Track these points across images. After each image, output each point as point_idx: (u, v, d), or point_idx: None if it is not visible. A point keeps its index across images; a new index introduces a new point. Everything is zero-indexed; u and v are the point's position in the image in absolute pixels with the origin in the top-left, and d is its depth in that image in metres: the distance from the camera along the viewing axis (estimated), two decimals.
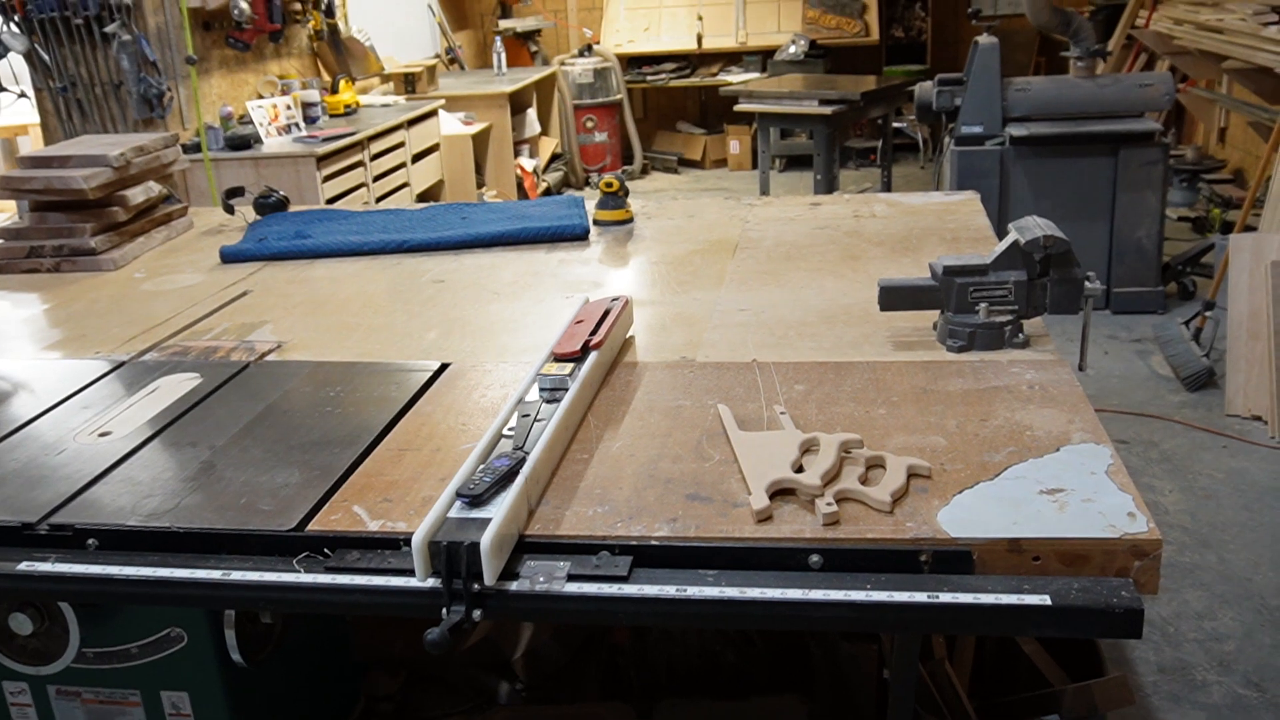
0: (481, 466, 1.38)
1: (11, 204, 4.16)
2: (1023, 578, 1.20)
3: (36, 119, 4.77)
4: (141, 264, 2.79)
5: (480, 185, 6.85)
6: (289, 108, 5.08)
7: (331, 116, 5.66)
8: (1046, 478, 1.35)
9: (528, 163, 7.49)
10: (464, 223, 2.88)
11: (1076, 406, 1.56)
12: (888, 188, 6.64)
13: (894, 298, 1.88)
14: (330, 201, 4.79)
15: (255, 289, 2.48)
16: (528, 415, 1.54)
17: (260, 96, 5.30)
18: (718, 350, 1.90)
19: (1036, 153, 4.76)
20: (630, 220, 2.88)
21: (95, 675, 1.69)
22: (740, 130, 9.07)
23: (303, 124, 5.17)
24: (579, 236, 2.73)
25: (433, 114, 6.24)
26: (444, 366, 1.90)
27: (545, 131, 8.46)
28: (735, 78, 8.68)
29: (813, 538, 1.26)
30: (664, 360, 1.87)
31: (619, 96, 8.83)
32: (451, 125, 6.51)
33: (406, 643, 2.24)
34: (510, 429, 1.51)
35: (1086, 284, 1.83)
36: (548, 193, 8.17)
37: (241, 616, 1.64)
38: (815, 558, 1.25)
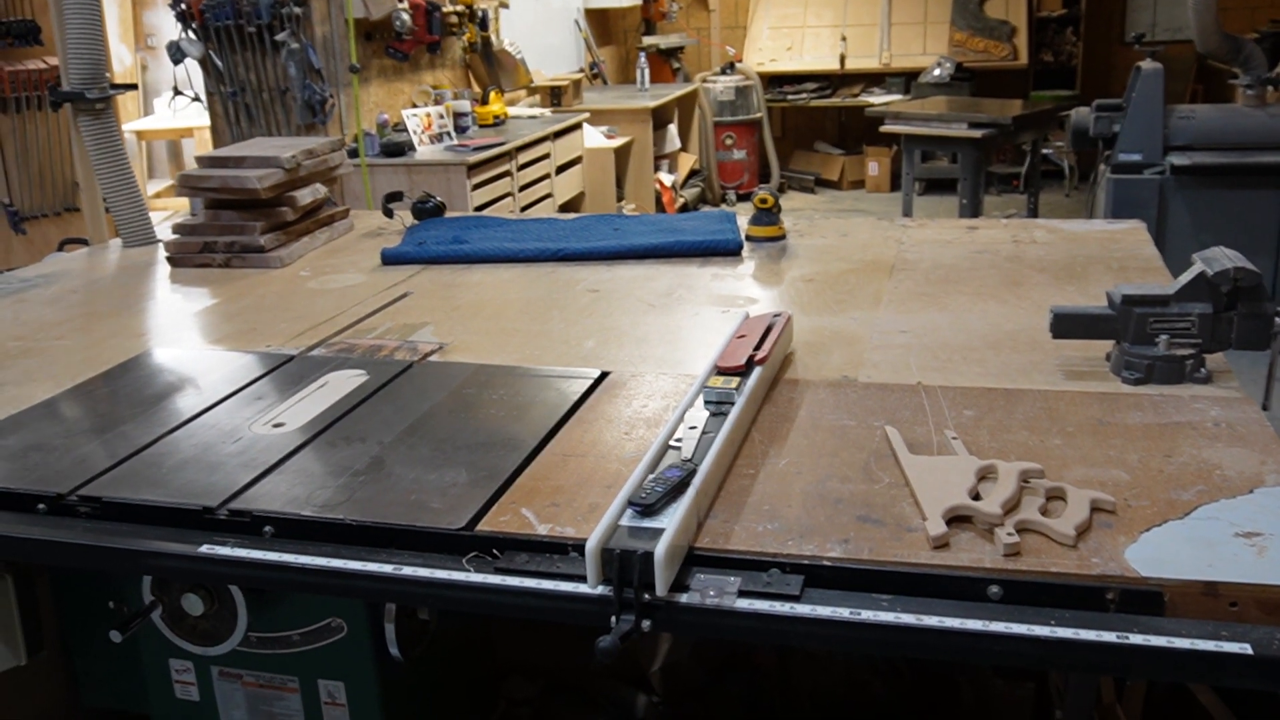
0: (652, 476, 1.38)
1: (183, 202, 4.35)
2: (1219, 624, 1.14)
3: (205, 121, 4.99)
4: (306, 263, 2.88)
5: (620, 198, 6.91)
6: (441, 117, 5.20)
7: (481, 127, 5.77)
8: (1242, 520, 1.29)
9: (666, 178, 7.53)
10: (616, 234, 2.90)
11: (1269, 447, 1.48)
12: (1034, 214, 6.48)
13: (1068, 325, 1.82)
14: (479, 209, 4.88)
15: (415, 291, 2.54)
16: (694, 427, 1.54)
17: (414, 105, 5.44)
18: (880, 371, 1.87)
19: (1199, 183, 4.58)
20: (783, 237, 2.86)
21: (257, 659, 1.74)
22: (879, 152, 8.96)
23: (454, 133, 5.29)
24: (732, 252, 2.73)
25: (577, 127, 6.32)
26: (604, 375, 1.91)
27: (684, 148, 8.49)
28: (877, 99, 8.59)
29: (992, 568, 1.23)
30: (825, 379, 1.85)
31: (759, 115, 8.82)
32: (594, 138, 6.59)
33: (546, 649, 2.26)
34: (677, 440, 1.51)
35: (1277, 320, 1.75)
36: (684, 208, 8.20)
37: (400, 612, 1.67)
38: (995, 588, 1.21)
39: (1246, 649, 1.10)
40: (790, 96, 9.23)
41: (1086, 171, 6.89)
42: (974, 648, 1.17)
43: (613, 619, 1.23)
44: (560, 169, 6.03)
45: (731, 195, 8.75)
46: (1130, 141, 4.63)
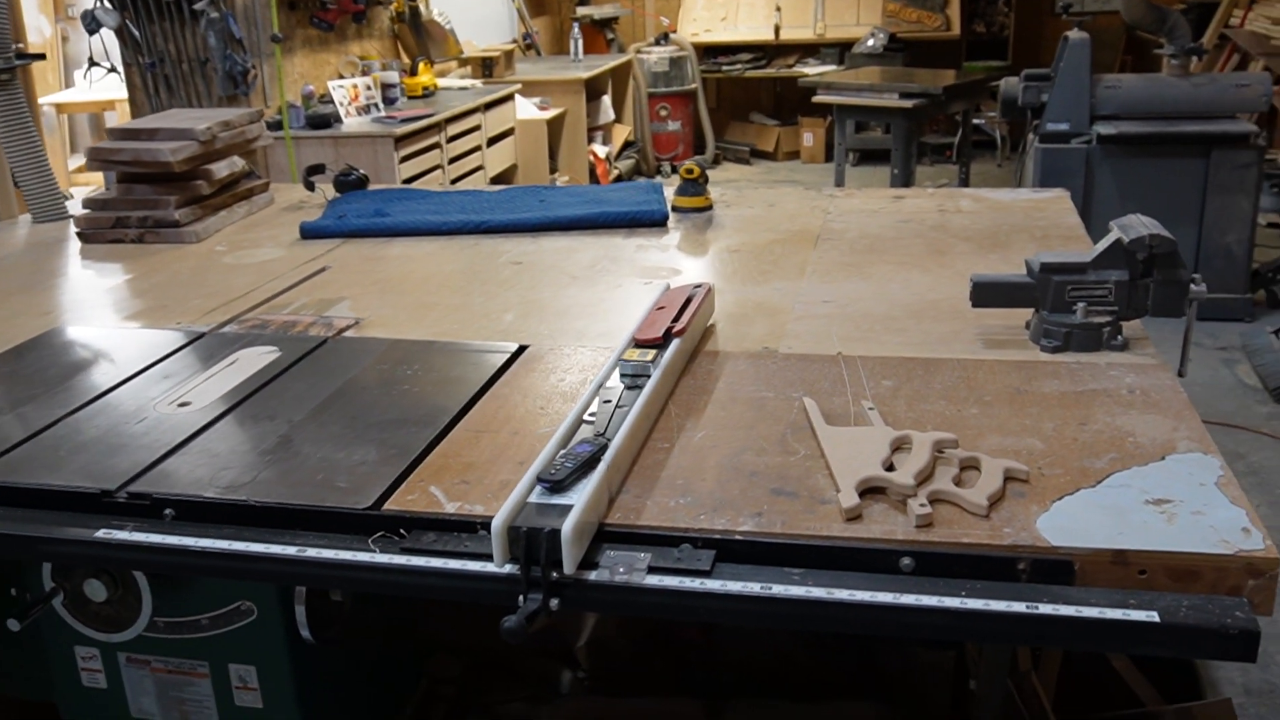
0: (563, 452, 1.35)
1: (99, 176, 4.22)
2: (1128, 592, 1.14)
3: (124, 94, 4.83)
4: (223, 237, 2.81)
5: (553, 170, 6.85)
6: (369, 88, 5.10)
7: (410, 98, 5.67)
8: (1152, 487, 1.29)
9: (601, 149, 7.47)
10: (542, 205, 2.85)
11: (1181, 414, 1.49)
12: (965, 184, 6.52)
13: (987, 294, 1.81)
14: (407, 182, 4.80)
15: (334, 265, 2.48)
16: (609, 401, 1.51)
17: (341, 76, 5.33)
18: (801, 342, 1.86)
19: (1125, 152, 4.63)
20: (710, 208, 2.84)
21: (165, 644, 1.69)
22: (814, 122, 8.97)
23: (381, 105, 5.19)
24: (657, 222, 2.70)
25: (509, 98, 6.24)
26: (522, 348, 1.87)
27: (619, 119, 8.43)
28: (812, 70, 8.58)
29: (904, 539, 1.22)
30: (746, 350, 1.83)
31: (693, 86, 8.78)
32: (527, 110, 6.51)
33: (470, 627, 2.22)
34: (591, 415, 1.48)
35: (1192, 286, 1.76)
36: (619, 179, 8.14)
37: (312, 594, 1.63)
38: (907, 560, 1.20)
39: (1154, 617, 1.10)
40: (725, 67, 9.19)
41: (1018, 141, 6.95)
42: (885, 620, 1.15)
43: (520, 598, 1.20)
44: (492, 141, 5.95)
45: (666, 167, 8.71)
46: (1058, 111, 4.66)
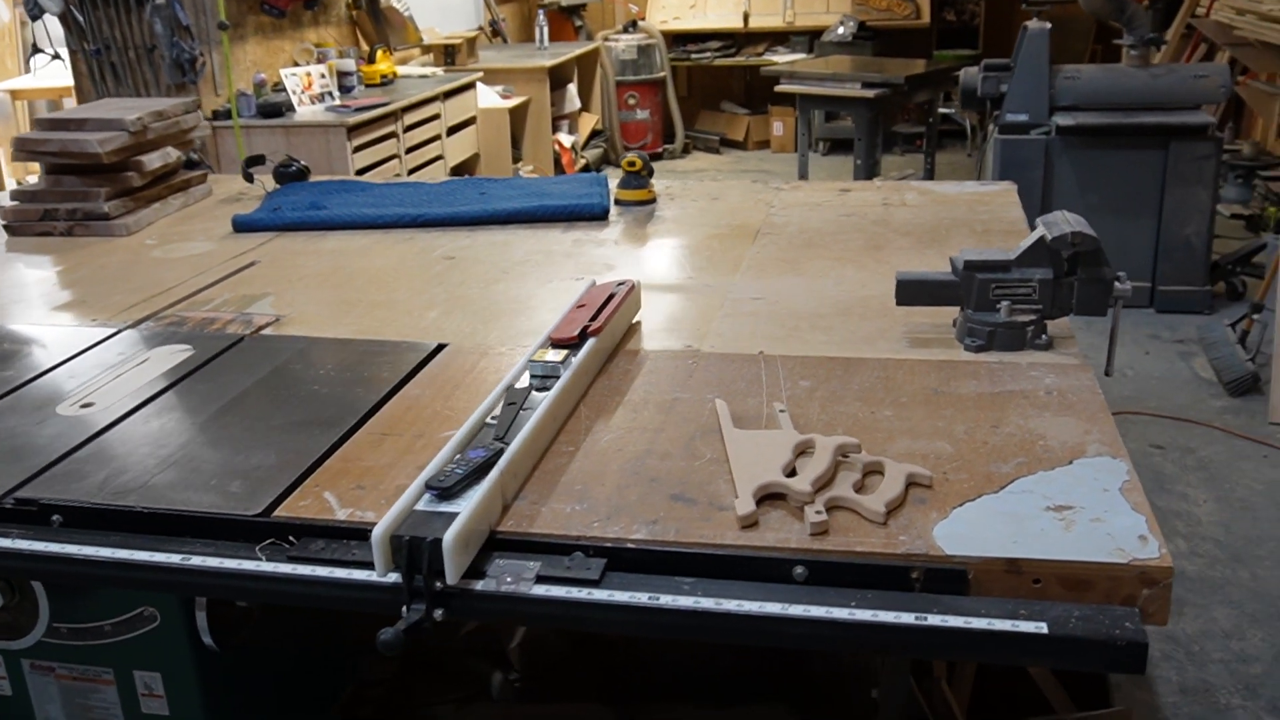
0: (457, 457, 1.31)
1: (38, 167, 4.14)
2: (1020, 601, 1.12)
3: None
4: (155, 230, 2.75)
5: (516, 160, 6.79)
6: (323, 76, 5.03)
7: (367, 86, 5.60)
8: (1055, 493, 1.26)
9: (566, 139, 7.42)
10: (482, 198, 2.81)
11: (1095, 416, 1.46)
12: (930, 175, 6.50)
13: (911, 292, 1.78)
14: (360, 172, 4.74)
15: (264, 259, 2.43)
16: (514, 403, 1.47)
17: (296, 64, 5.25)
18: (725, 340, 1.82)
19: (1084, 143, 4.61)
20: (652, 201, 2.80)
21: (68, 651, 1.64)
22: (784, 111, 8.91)
23: (336, 93, 5.12)
24: (598, 216, 2.66)
25: (470, 86, 6.17)
26: (440, 347, 1.84)
27: (586, 108, 8.36)
28: (781, 58, 8.53)
29: (798, 548, 1.19)
30: (668, 349, 1.79)
31: (662, 74, 8.71)
32: (489, 98, 6.45)
33: None
34: (493, 418, 1.44)
35: (1116, 284, 1.73)
36: (586, 169, 8.09)
37: (214, 600, 1.59)
38: (800, 569, 1.17)
39: (1042, 628, 1.07)
40: (694, 55, 9.13)
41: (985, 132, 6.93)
42: (773, 631, 1.13)
43: (404, 608, 1.17)
44: (451, 130, 5.88)
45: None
46: (1017, 102, 4.63)
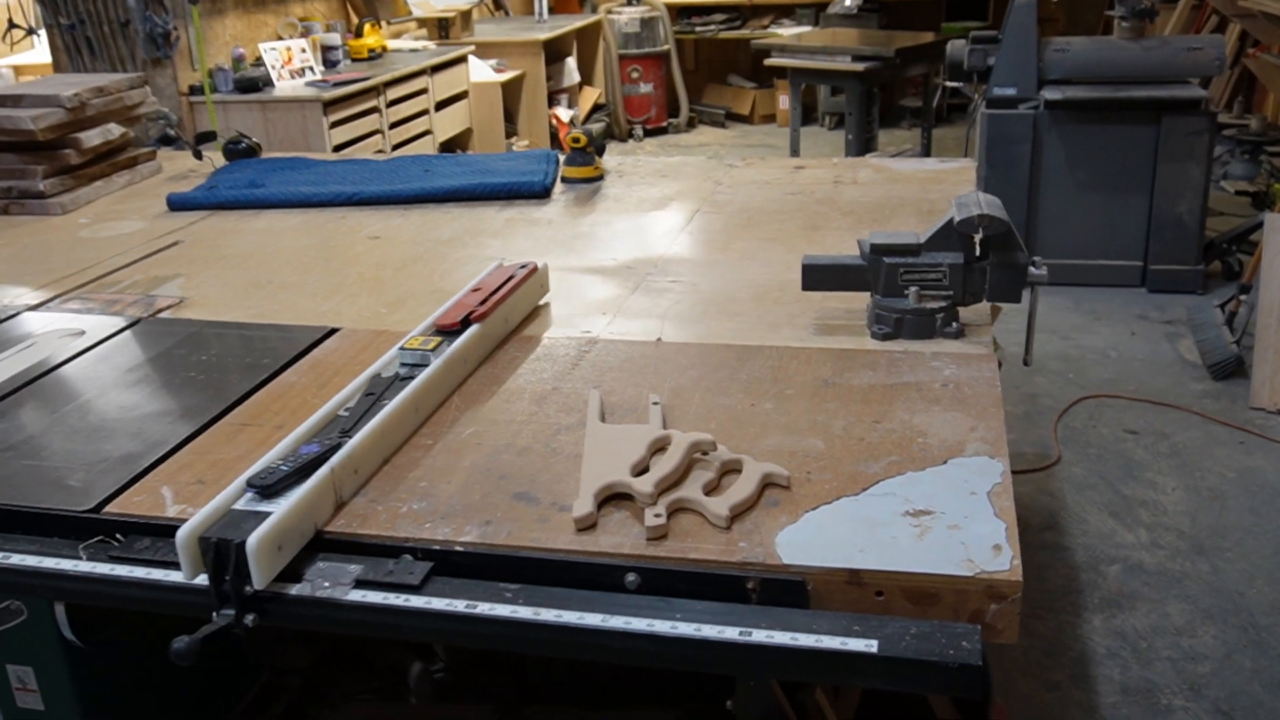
0: (290, 453, 1.25)
1: None
2: (856, 617, 1.04)
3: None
4: (93, 209, 2.70)
5: (511, 135, 6.70)
6: (304, 50, 4.96)
7: (354, 61, 5.53)
8: (918, 496, 1.18)
9: (564, 113, 7.32)
10: (426, 176, 2.74)
11: (986, 411, 1.38)
12: (928, 151, 6.37)
13: (817, 277, 1.70)
14: (339, 148, 4.67)
15: (189, 239, 2.38)
16: (372, 394, 1.41)
17: (280, 39, 5.19)
18: (628, 325, 1.75)
19: (1073, 118, 4.47)
20: (600, 178, 2.72)
21: None
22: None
23: (318, 68, 5.05)
24: (538, 194, 2.58)
25: (461, 60, 6.09)
26: (332, 331, 1.77)
27: (589, 81, 8.26)
28: (787, 30, 8.38)
29: (631, 554, 1.11)
30: (567, 335, 1.72)
31: (666, 47, 8.58)
32: (482, 72, 6.36)
33: None
34: (348, 409, 1.38)
35: (1031, 269, 1.64)
36: (579, 144, 7.98)
37: None
38: (632, 577, 1.10)
39: (872, 647, 1.00)
40: (699, 28, 8.99)
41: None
42: (593, 645, 1.06)
43: (214, 613, 1.11)
44: (441, 105, 5.81)
45: (639, 130, 8.54)
46: (1004, 75, 4.50)
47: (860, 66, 5.23)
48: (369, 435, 1.29)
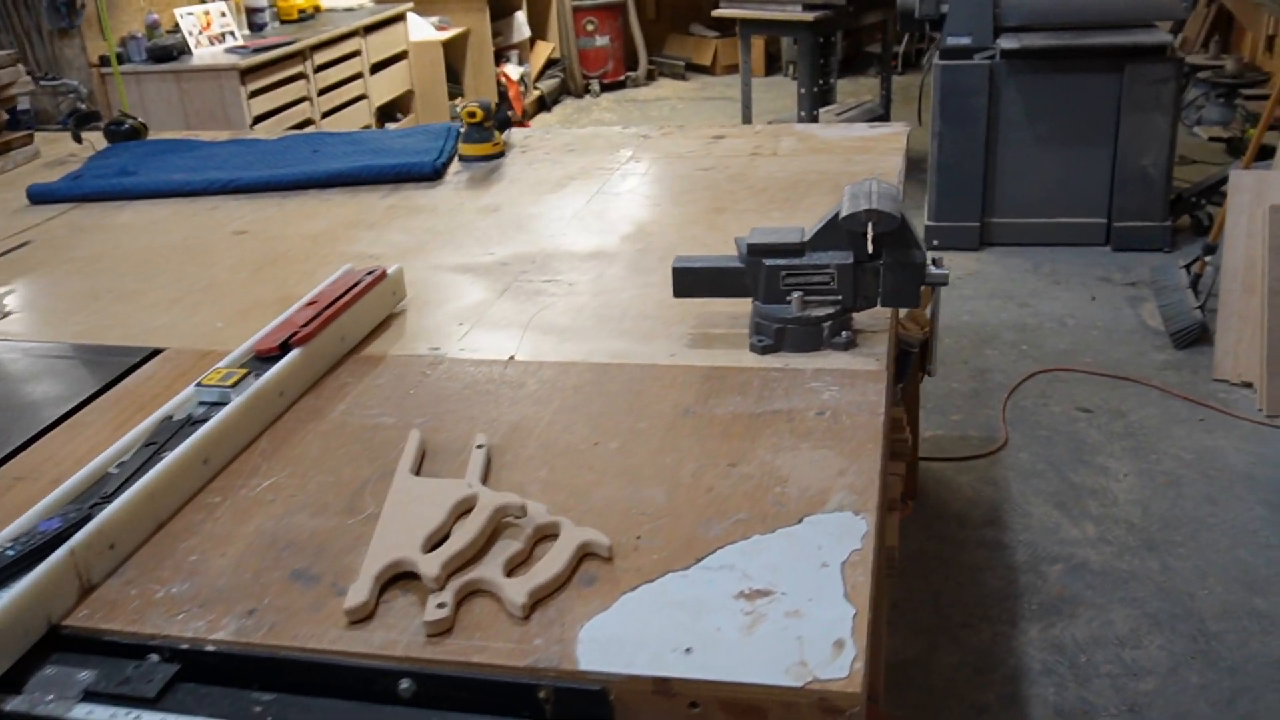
0: (30, 529, 1.06)
1: None
2: None
3: None
4: None
5: (455, 96, 6.45)
6: (224, 14, 4.70)
7: (283, 23, 5.28)
8: (760, 569, 1.00)
9: (514, 70, 7.05)
10: (314, 157, 2.53)
11: (861, 448, 1.19)
12: (887, 102, 6.14)
13: (689, 282, 1.51)
14: (260, 119, 4.44)
15: (41, 239, 2.17)
16: (154, 443, 1.21)
17: (200, 2, 4.92)
18: (485, 339, 1.56)
19: (1031, 68, 4.26)
20: (500, 155, 2.51)
21: None
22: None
23: (239, 32, 4.79)
24: (428, 176, 2.37)
25: (399, 19, 5.82)
26: (154, 353, 1.57)
27: (542, 36, 7.98)
28: None
29: (405, 655, 0.93)
30: (413, 352, 1.53)
31: None
32: (423, 30, 6.09)
33: None
34: (121, 464, 1.19)
35: (930, 269, 1.45)
36: (541, 101, 7.74)
37: None
38: (406, 684, 0.92)
39: None
40: None
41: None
42: None
43: None
44: (378, 67, 5.55)
45: (595, 85, 8.27)
46: (958, 23, 4.27)
47: (810, 15, 4.99)
48: (131, 501, 1.10)
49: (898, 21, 4.58)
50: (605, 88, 8.32)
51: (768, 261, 1.45)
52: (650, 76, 8.64)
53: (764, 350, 1.44)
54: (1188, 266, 3.90)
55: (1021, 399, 3.26)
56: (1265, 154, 4.00)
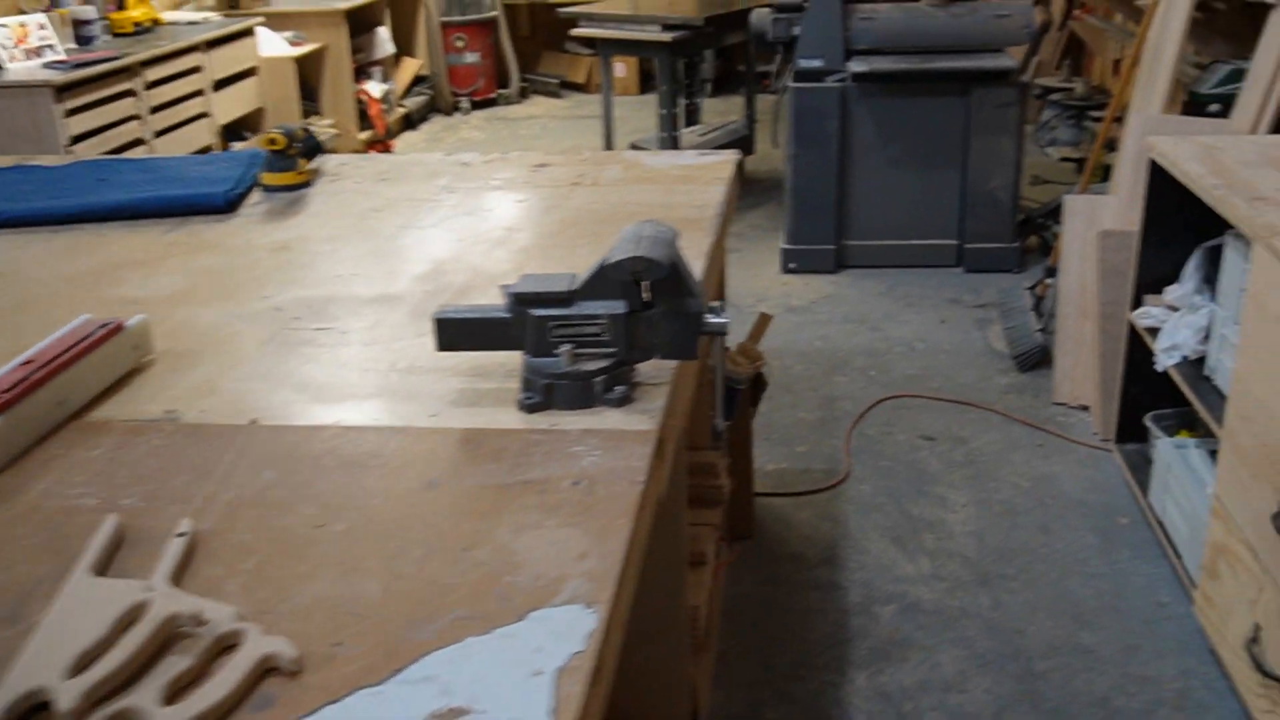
0: None
1: None
2: None
3: None
4: None
5: (311, 114, 6.23)
6: (43, 26, 4.43)
7: (115, 36, 5.01)
8: (463, 682, 0.87)
9: (376, 88, 6.85)
10: (98, 186, 2.34)
11: (610, 526, 1.08)
12: (751, 122, 6.11)
13: (452, 334, 1.38)
14: (77, 140, 4.18)
15: None
16: None
17: (21, 13, 4.64)
18: (227, 400, 1.40)
19: (881, 91, 4.25)
20: (305, 185, 2.36)
21: None
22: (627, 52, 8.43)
23: (61, 46, 4.52)
24: (219, 209, 2.20)
25: (247, 33, 5.59)
26: None
27: (409, 52, 7.79)
28: None
29: None
30: (142, 415, 1.37)
31: (494, 13, 8.16)
32: (275, 45, 5.87)
33: None
34: None
35: (707, 318, 1.34)
36: (407, 119, 7.55)
37: None
38: None
39: None
40: None
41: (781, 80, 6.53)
42: None
43: None
44: (222, 84, 5.31)
45: (465, 103, 8.10)
46: (810, 46, 4.24)
47: (669, 36, 4.92)
48: None
49: (753, 44, 4.54)
50: (476, 105, 8.16)
51: (535, 311, 1.33)
52: (523, 94, 8.51)
53: (531, 408, 1.32)
54: (1031, 289, 3.91)
55: (867, 427, 3.21)
56: (1107, 173, 4.03)
